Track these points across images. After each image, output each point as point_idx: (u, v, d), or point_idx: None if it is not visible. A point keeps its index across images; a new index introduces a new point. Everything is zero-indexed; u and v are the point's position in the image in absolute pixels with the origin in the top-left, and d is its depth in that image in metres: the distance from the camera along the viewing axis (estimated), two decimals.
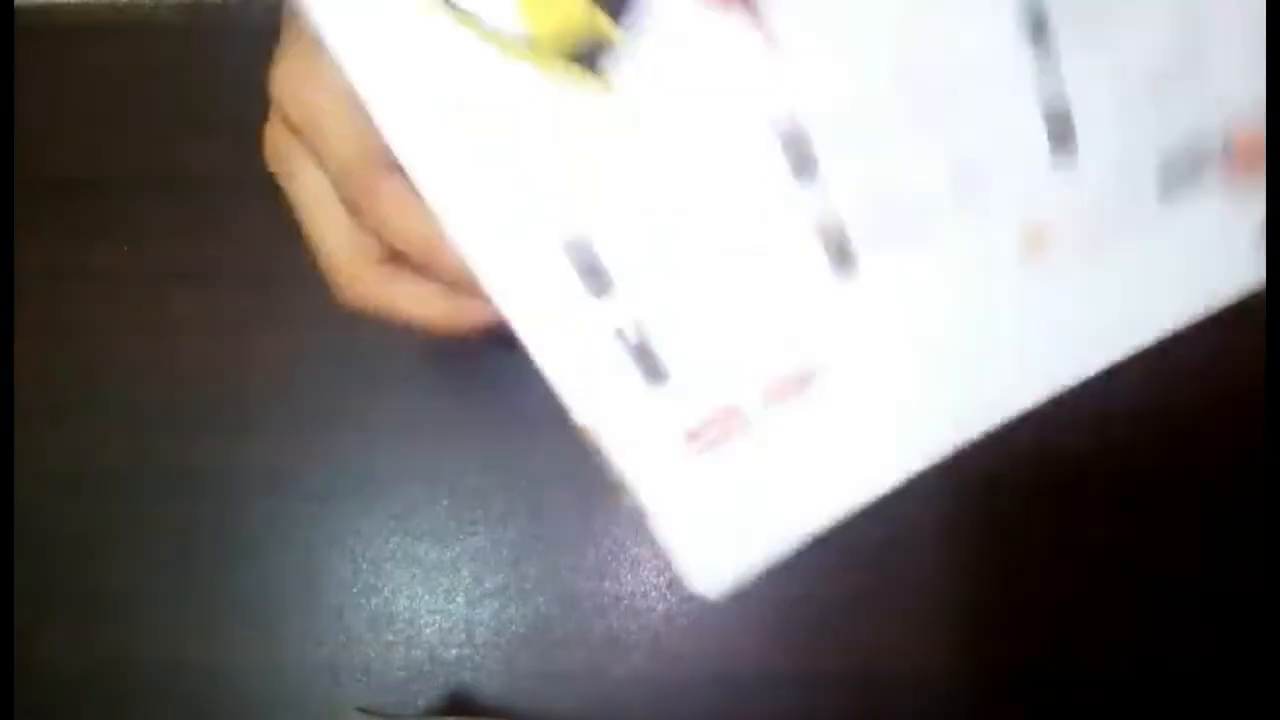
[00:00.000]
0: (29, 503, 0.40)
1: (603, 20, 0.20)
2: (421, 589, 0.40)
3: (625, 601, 0.39)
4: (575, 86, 0.21)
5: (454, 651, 0.39)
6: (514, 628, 0.39)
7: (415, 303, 0.31)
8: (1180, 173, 0.25)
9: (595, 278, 0.23)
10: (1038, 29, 0.23)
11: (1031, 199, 0.24)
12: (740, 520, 0.25)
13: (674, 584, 0.40)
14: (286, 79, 0.27)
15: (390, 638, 0.39)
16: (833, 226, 0.24)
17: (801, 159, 0.23)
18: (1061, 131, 0.24)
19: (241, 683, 0.38)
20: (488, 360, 0.40)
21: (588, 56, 0.21)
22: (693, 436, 0.24)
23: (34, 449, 0.41)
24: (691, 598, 0.39)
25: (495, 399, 0.41)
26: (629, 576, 0.39)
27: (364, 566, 0.40)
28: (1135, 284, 0.26)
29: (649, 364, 0.24)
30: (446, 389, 0.39)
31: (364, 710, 0.37)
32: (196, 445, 0.42)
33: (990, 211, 0.24)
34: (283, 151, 0.31)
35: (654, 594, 0.40)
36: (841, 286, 0.24)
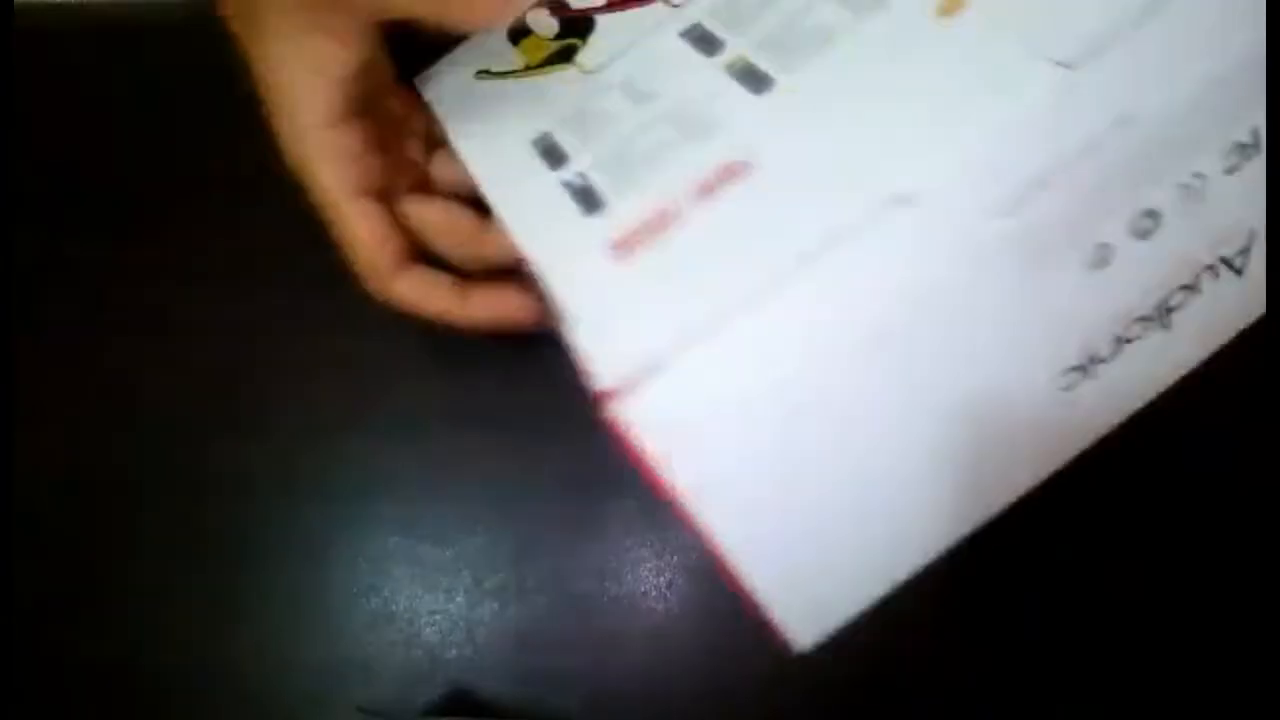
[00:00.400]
0: (34, 504, 0.40)
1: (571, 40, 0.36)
2: (421, 589, 0.40)
3: (625, 601, 0.39)
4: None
5: (454, 651, 0.39)
6: (514, 628, 0.39)
7: (434, 298, 0.33)
8: None
9: (554, 158, 0.32)
10: None
11: None
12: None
13: (674, 584, 0.40)
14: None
15: (390, 637, 0.39)
16: (740, 63, 0.31)
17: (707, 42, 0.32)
18: None
19: (242, 682, 0.38)
20: (489, 362, 0.40)
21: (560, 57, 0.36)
22: (619, 245, 0.27)
23: (39, 450, 0.41)
24: (691, 597, 0.40)
25: (496, 400, 0.41)
26: (629, 576, 0.39)
27: (364, 566, 0.40)
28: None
29: (589, 200, 0.30)
30: (447, 390, 0.40)
31: (364, 710, 0.37)
32: (198, 446, 0.42)
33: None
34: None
35: (654, 594, 0.40)
36: (761, 99, 0.29)
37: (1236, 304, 0.27)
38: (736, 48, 0.31)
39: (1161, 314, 0.26)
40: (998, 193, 0.24)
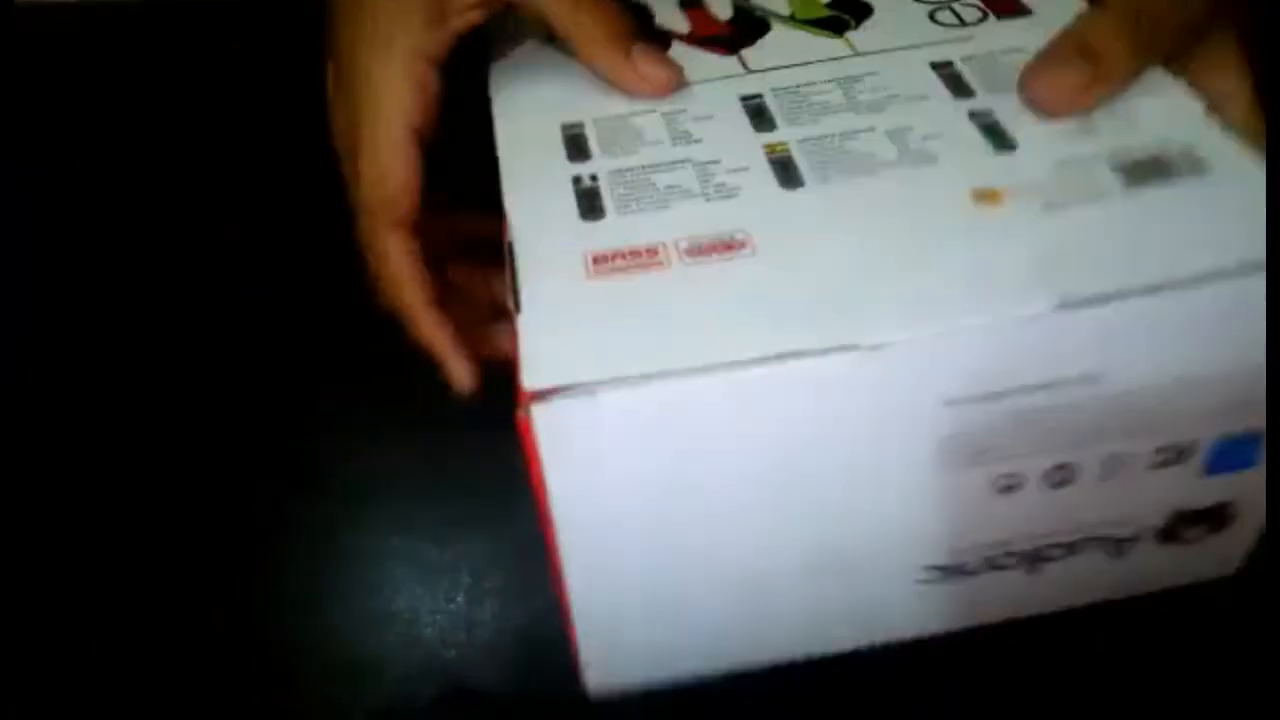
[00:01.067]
0: (34, 503, 0.40)
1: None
2: (421, 588, 0.40)
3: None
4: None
5: (454, 651, 0.39)
6: (514, 627, 0.39)
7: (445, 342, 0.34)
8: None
9: (575, 151, 0.32)
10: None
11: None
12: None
13: None
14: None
15: (391, 637, 0.39)
16: (781, 151, 0.31)
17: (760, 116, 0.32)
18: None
19: (241, 682, 0.39)
20: (489, 364, 0.40)
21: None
22: (598, 260, 0.28)
23: (37, 449, 0.41)
24: None
25: (497, 400, 0.41)
26: None
27: (364, 566, 0.40)
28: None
29: (591, 204, 0.30)
30: (448, 389, 0.39)
31: (364, 709, 0.37)
32: (198, 446, 0.42)
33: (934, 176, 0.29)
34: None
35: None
36: (786, 194, 0.29)
37: (1106, 581, 0.30)
38: (785, 135, 0.32)
39: (1033, 559, 0.29)
40: (951, 387, 0.25)
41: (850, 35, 0.35)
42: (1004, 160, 0.29)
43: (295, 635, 0.39)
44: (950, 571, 0.29)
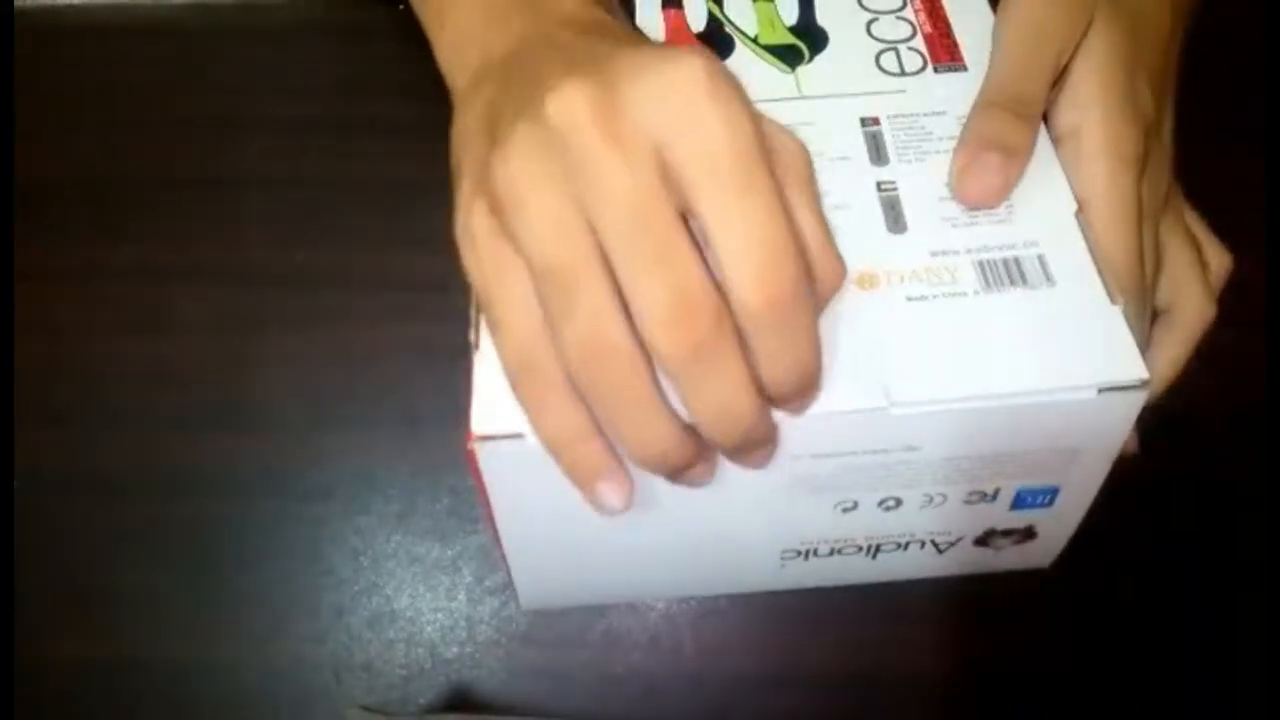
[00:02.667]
0: (31, 504, 0.40)
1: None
2: (423, 587, 0.40)
3: (625, 602, 0.40)
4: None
5: (455, 649, 0.39)
6: (514, 626, 0.40)
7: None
8: None
9: None
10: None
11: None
12: None
13: None
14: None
15: (392, 636, 0.40)
16: None
17: None
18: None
19: (243, 681, 0.39)
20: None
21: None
22: None
23: (36, 450, 0.41)
24: (689, 597, 0.40)
25: None
26: None
27: (365, 565, 0.40)
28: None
29: None
30: (447, 388, 0.39)
31: (365, 708, 0.37)
32: (199, 445, 0.42)
33: None
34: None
35: (656, 598, 0.40)
36: None
37: (933, 565, 0.35)
38: None
39: (871, 549, 0.34)
40: (794, 448, 0.29)
41: (801, 70, 0.36)
42: (893, 243, 0.31)
43: (295, 634, 0.39)
44: (804, 554, 0.34)
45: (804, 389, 0.27)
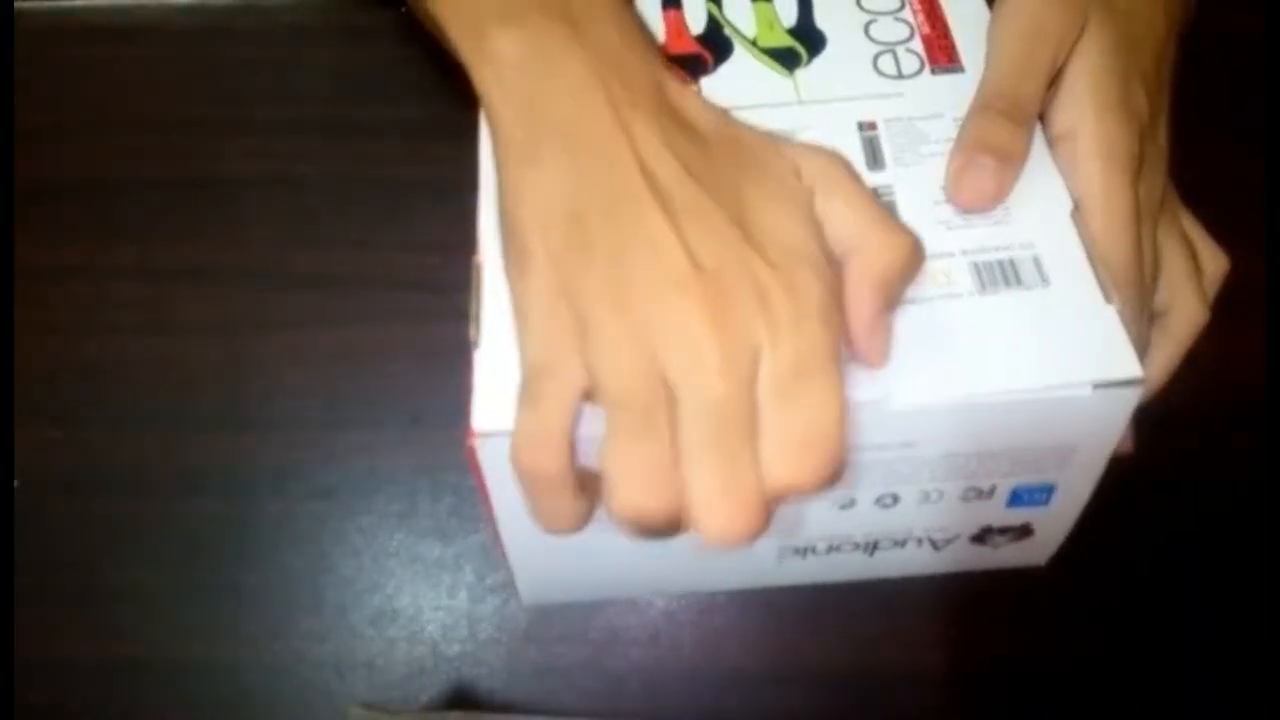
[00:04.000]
0: (35, 502, 0.40)
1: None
2: (424, 586, 0.41)
3: (625, 598, 0.40)
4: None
5: (456, 647, 0.40)
6: (516, 624, 0.40)
7: None
8: None
9: None
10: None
11: None
12: None
13: None
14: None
15: (393, 634, 0.40)
16: None
17: None
18: None
19: (245, 679, 0.39)
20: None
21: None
22: None
23: (36, 449, 0.41)
24: (689, 595, 0.40)
25: None
26: None
27: (367, 563, 0.41)
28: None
29: None
30: (448, 387, 0.40)
31: (367, 705, 0.37)
32: (201, 444, 0.42)
33: None
34: None
35: (655, 594, 0.40)
36: None
37: (930, 563, 0.36)
38: None
39: (869, 546, 0.35)
40: None
41: (799, 74, 0.36)
42: None
43: (298, 633, 0.40)
44: (801, 551, 0.35)
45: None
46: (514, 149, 0.29)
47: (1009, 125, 0.33)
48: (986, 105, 0.33)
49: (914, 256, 0.29)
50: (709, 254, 0.26)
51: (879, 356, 0.29)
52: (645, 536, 0.27)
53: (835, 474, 0.26)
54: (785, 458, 0.26)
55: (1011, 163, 0.32)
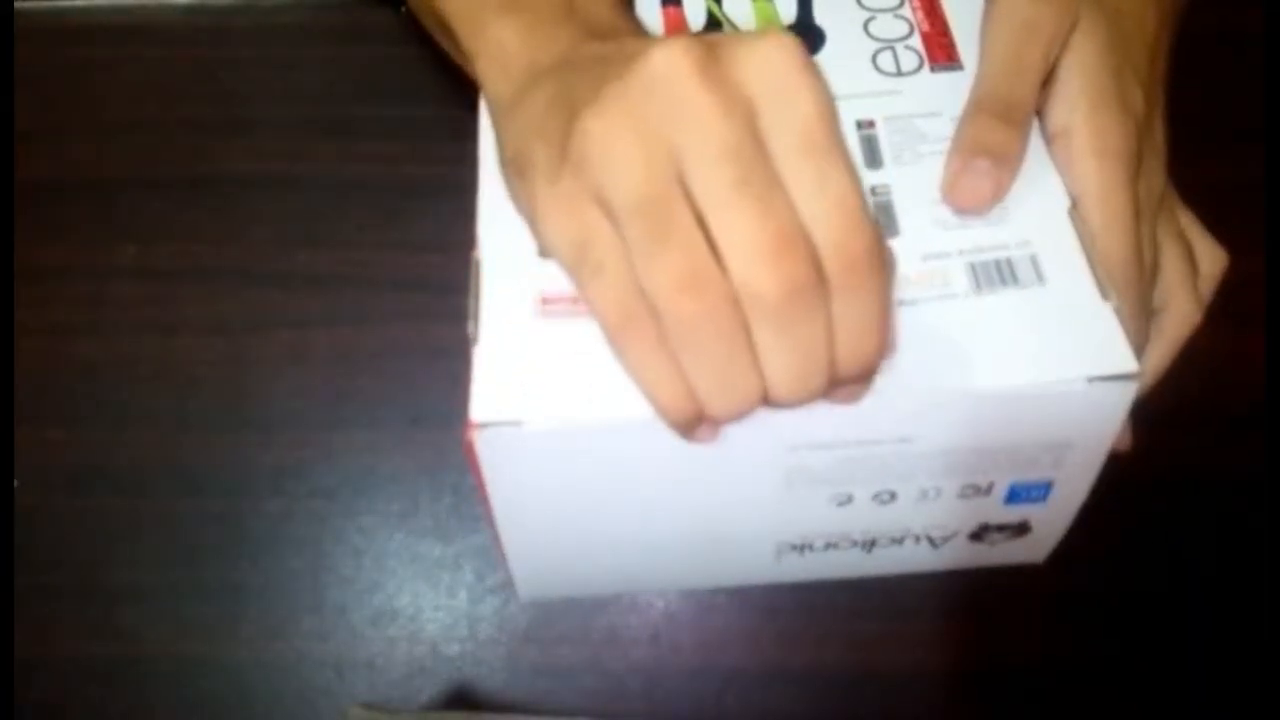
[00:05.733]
0: (32, 503, 0.41)
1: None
2: (424, 585, 0.41)
3: (625, 597, 0.40)
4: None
5: (456, 647, 0.40)
6: (515, 624, 0.40)
7: None
8: None
9: None
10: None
11: None
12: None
13: None
14: None
15: (393, 634, 0.40)
16: None
17: None
18: None
19: (246, 678, 0.39)
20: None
21: None
22: (547, 301, 0.30)
23: (40, 449, 0.41)
24: (689, 594, 0.40)
25: None
26: None
27: (367, 563, 0.41)
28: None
29: None
30: (448, 387, 0.40)
31: (367, 705, 0.38)
32: (200, 445, 0.42)
33: None
34: None
35: (653, 590, 0.40)
36: None
37: (928, 560, 0.36)
38: None
39: (866, 543, 0.35)
40: (792, 439, 0.30)
41: None
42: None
43: (298, 633, 0.40)
44: (799, 548, 0.35)
45: (869, 366, 0.27)
46: (501, 102, 0.30)
47: (1003, 126, 0.33)
48: (980, 107, 0.33)
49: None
50: (692, 43, 0.26)
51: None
52: (696, 335, 0.25)
53: (872, 238, 0.25)
54: (823, 214, 0.24)
55: (1007, 164, 0.33)
